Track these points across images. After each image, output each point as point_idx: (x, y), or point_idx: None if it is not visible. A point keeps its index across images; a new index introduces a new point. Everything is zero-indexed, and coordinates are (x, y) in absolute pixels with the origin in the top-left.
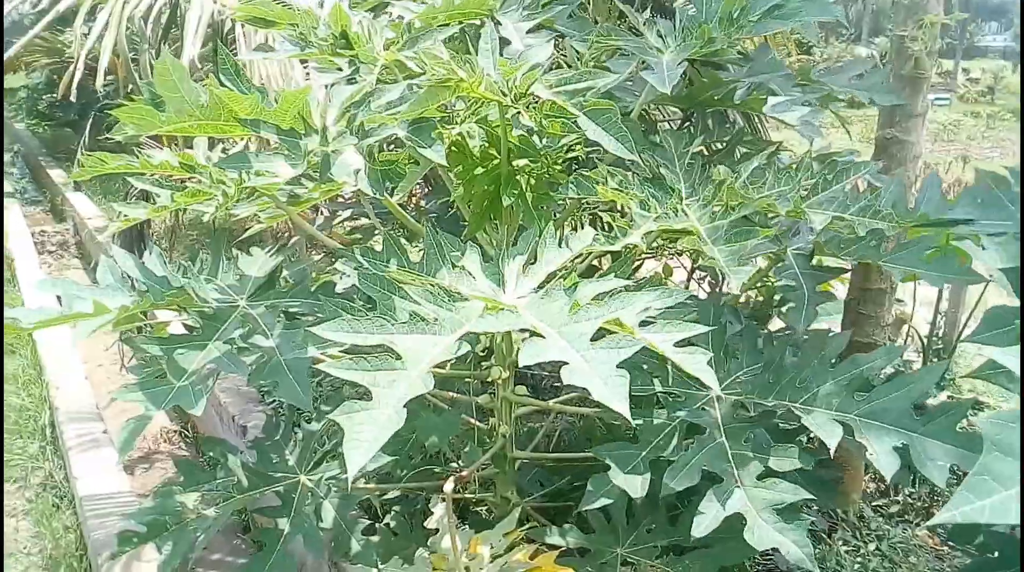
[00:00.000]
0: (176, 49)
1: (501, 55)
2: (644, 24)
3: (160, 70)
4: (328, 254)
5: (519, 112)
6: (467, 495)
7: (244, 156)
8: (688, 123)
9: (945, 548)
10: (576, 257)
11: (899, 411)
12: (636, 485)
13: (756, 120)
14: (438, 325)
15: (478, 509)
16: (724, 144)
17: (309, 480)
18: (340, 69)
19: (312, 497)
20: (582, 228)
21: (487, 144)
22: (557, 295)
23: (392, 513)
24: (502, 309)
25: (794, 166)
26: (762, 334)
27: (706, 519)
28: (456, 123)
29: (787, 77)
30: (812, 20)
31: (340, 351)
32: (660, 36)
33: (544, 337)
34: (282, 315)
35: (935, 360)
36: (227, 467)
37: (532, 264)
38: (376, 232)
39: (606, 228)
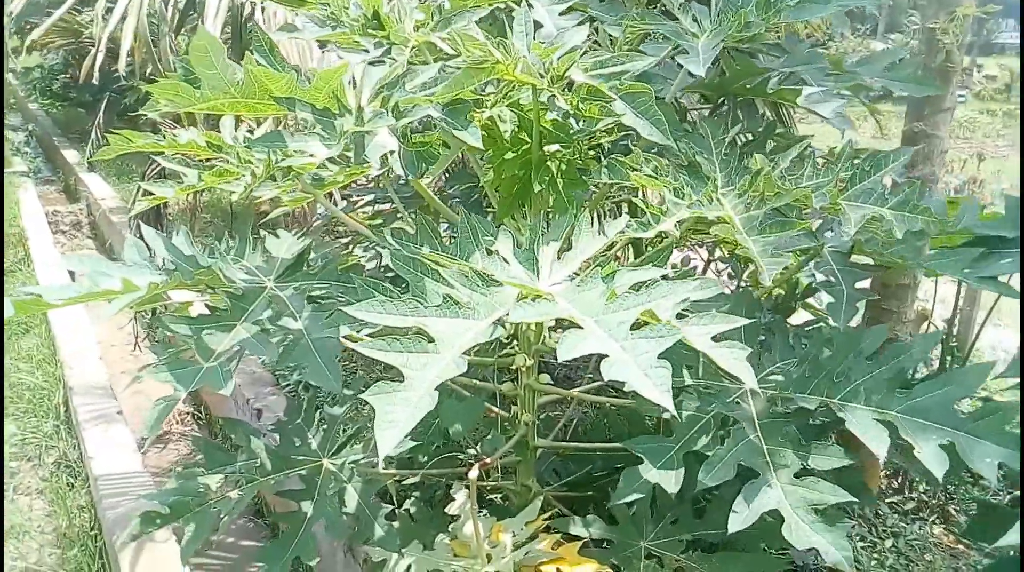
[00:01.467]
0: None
1: (534, 38)
2: (679, 8)
3: (196, 46)
4: (348, 239)
5: (554, 96)
6: (487, 482)
7: (279, 135)
8: (718, 113)
9: (960, 546)
10: (611, 244)
11: (943, 409)
12: (670, 480)
13: (784, 112)
14: (471, 309)
15: (492, 497)
16: (755, 136)
17: (332, 464)
18: (367, 51)
19: (335, 481)
20: (608, 217)
21: (518, 128)
22: (594, 283)
23: (412, 499)
24: (538, 297)
25: (833, 157)
26: (792, 328)
27: (740, 516)
28: (487, 107)
29: (821, 68)
30: (850, 7)
31: (368, 334)
32: (695, 20)
33: (581, 327)
34: (309, 298)
35: (948, 358)
36: (249, 449)
37: (567, 250)
38: (398, 216)
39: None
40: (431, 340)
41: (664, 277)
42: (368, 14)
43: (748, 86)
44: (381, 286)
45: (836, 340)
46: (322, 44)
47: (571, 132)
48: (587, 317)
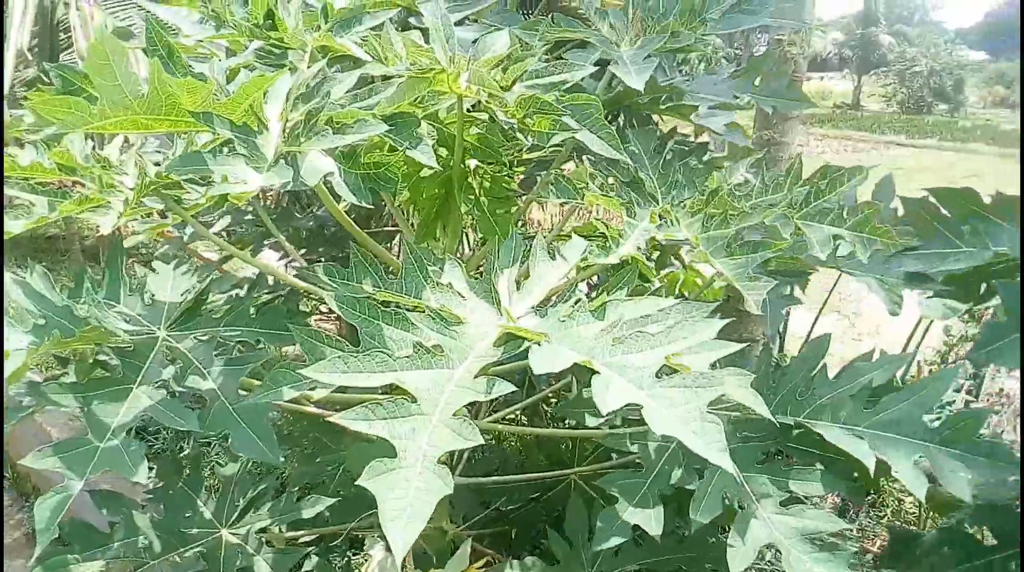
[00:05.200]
0: None
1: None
2: (595, 13)
3: (96, 51)
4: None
5: (492, 108)
6: None
7: (200, 157)
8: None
9: None
10: (572, 270)
11: (912, 421)
12: (650, 519)
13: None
14: (445, 357)
15: None
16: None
17: (233, 535)
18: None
19: (242, 555)
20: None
21: (436, 143)
22: (583, 318)
23: (313, 559)
24: (529, 338)
25: (785, 174)
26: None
27: (739, 551)
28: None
29: (718, 83)
30: (775, 23)
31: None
32: (612, 27)
33: (599, 373)
34: (219, 349)
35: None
36: (130, 526)
37: (524, 279)
38: (265, 242)
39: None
40: (414, 400)
41: (664, 310)
42: (260, 14)
43: (642, 101)
44: (329, 338)
45: (794, 356)
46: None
47: (497, 148)
48: (596, 361)
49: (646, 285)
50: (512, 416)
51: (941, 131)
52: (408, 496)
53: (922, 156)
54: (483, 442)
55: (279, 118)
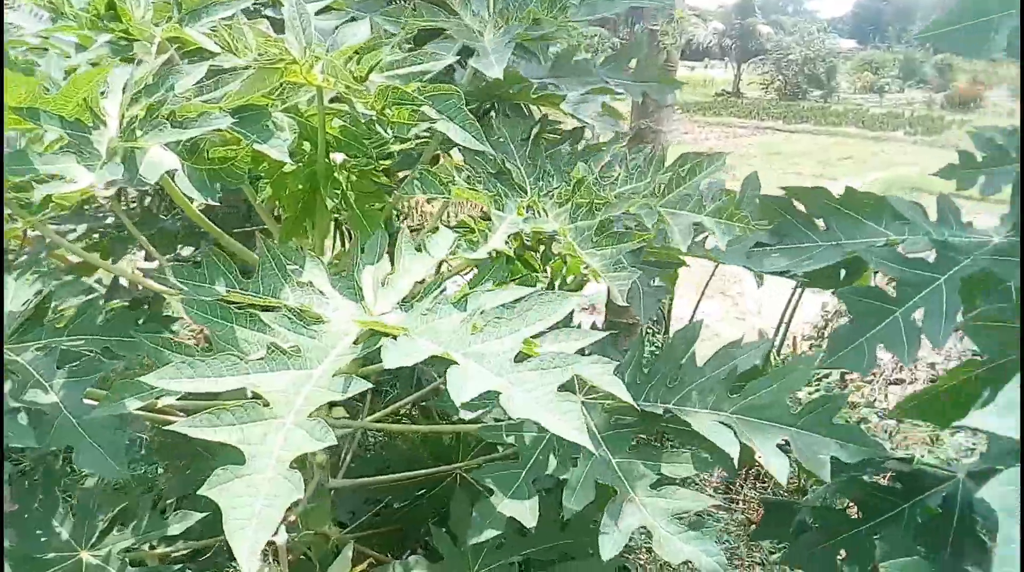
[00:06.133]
0: None
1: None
2: (459, 3)
3: None
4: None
5: (351, 100)
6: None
7: (24, 155)
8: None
9: None
10: (441, 264)
11: (777, 406)
12: (525, 511)
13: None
14: (302, 357)
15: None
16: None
17: (94, 557)
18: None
19: None
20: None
21: (298, 137)
22: (446, 310)
23: None
24: (388, 332)
25: (647, 162)
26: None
27: (611, 538)
28: None
29: (584, 71)
30: (638, 6)
31: (178, 400)
32: (476, 15)
33: (458, 363)
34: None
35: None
36: None
37: (390, 274)
38: (131, 248)
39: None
40: (266, 403)
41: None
42: (101, 4)
43: (512, 91)
44: (176, 344)
45: (664, 344)
46: None
47: (363, 141)
48: (456, 352)
49: (534, 275)
50: (402, 412)
51: (816, 116)
52: (256, 503)
53: (799, 140)
54: (335, 443)
55: (118, 113)
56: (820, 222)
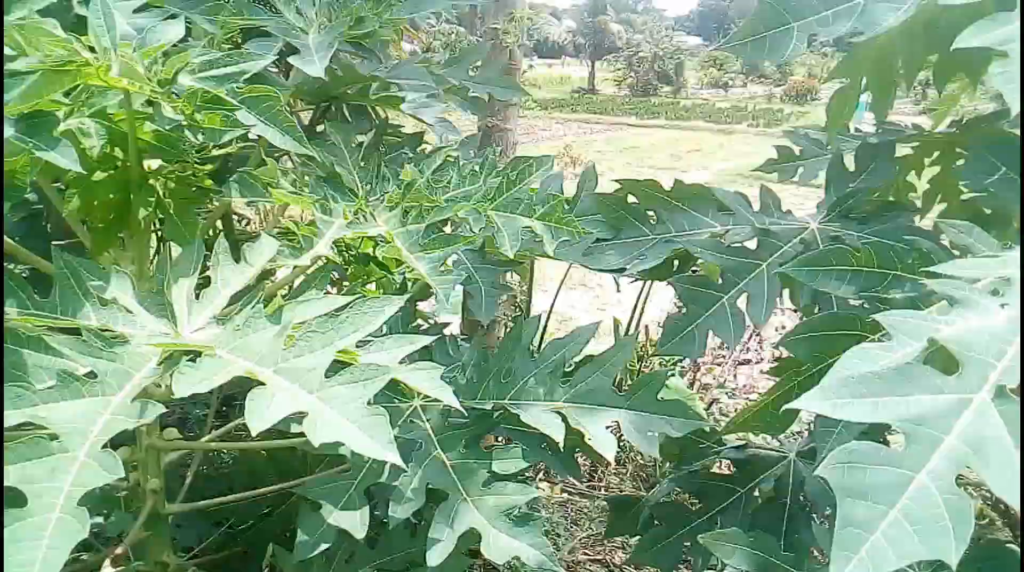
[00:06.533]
0: None
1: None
2: (281, 1)
3: None
4: None
5: (159, 104)
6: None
7: None
8: (324, 117)
9: None
10: (261, 275)
11: (604, 390)
12: (355, 521)
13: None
14: (99, 383)
15: None
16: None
17: None
18: None
19: None
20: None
21: (107, 143)
22: (260, 325)
23: None
24: (191, 351)
25: (481, 166)
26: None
27: (441, 545)
28: (62, 118)
29: (422, 72)
30: (460, 5)
31: None
32: (300, 13)
33: (264, 383)
34: None
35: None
36: None
37: (205, 288)
38: None
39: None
40: (54, 436)
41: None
42: None
43: (351, 91)
44: None
45: (503, 338)
46: None
47: (179, 146)
48: (265, 369)
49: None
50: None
51: (666, 111)
52: (41, 546)
53: (652, 134)
54: (123, 474)
55: None
56: (652, 214)
